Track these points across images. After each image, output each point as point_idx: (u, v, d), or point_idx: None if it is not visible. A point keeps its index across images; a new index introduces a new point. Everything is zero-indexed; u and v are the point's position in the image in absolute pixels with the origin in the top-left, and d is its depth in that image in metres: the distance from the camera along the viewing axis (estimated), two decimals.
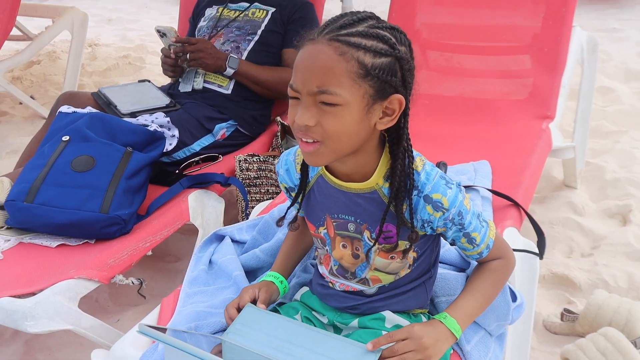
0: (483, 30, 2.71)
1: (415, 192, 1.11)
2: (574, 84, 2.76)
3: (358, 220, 1.18)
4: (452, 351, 1.28)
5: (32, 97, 4.00)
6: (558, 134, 2.38)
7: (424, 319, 1.28)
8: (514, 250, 1.61)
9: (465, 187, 1.83)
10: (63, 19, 3.69)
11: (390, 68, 1.03)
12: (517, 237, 1.71)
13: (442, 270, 1.40)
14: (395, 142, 1.10)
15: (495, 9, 2.72)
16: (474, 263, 1.39)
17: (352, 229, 1.19)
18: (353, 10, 1.10)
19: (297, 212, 1.28)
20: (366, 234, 1.18)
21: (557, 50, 2.51)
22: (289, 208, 1.28)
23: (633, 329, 1.83)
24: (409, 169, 1.10)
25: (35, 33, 4.30)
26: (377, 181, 1.13)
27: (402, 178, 1.10)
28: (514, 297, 1.38)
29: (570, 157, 2.46)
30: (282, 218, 1.30)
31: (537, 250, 1.68)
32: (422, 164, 1.14)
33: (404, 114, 1.08)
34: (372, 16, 1.07)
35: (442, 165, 1.82)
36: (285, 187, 1.28)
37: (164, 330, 1.10)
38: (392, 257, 1.19)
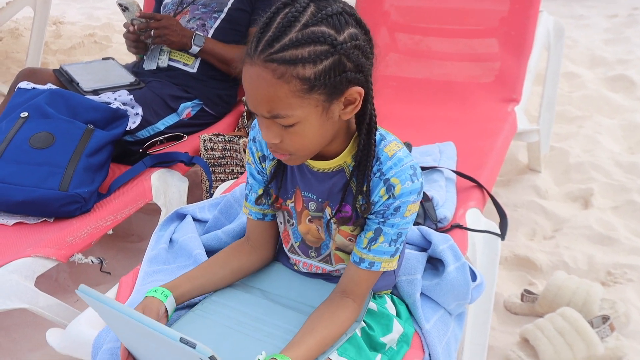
0: (451, 13, 2.71)
1: (378, 174, 1.10)
2: (540, 69, 2.78)
3: (320, 200, 1.17)
4: (414, 331, 1.29)
5: None
6: (523, 117, 2.40)
7: (387, 299, 1.28)
8: (477, 230, 1.64)
9: (430, 168, 1.85)
10: None
11: (336, 67, 0.98)
12: (479, 217, 1.73)
13: None
14: (361, 120, 1.09)
15: None
16: (435, 243, 1.40)
17: (312, 207, 1.19)
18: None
19: (277, 192, 1.22)
20: (327, 210, 1.17)
21: (524, 34, 2.52)
22: (268, 184, 1.22)
23: (590, 309, 1.86)
24: (374, 146, 1.09)
25: None
26: (346, 159, 1.13)
27: (365, 153, 1.09)
28: (473, 277, 1.39)
29: (534, 141, 2.49)
30: (261, 197, 1.23)
31: (499, 231, 1.70)
32: (397, 149, 1.10)
33: (367, 95, 1.05)
34: (305, 6, 0.98)
35: (407, 145, 1.82)
36: (259, 157, 1.21)
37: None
38: (350, 240, 1.18)
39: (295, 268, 1.31)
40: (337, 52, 0.97)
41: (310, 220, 1.21)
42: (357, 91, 1.02)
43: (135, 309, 1.12)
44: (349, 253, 1.21)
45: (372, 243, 1.13)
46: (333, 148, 1.12)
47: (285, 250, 1.30)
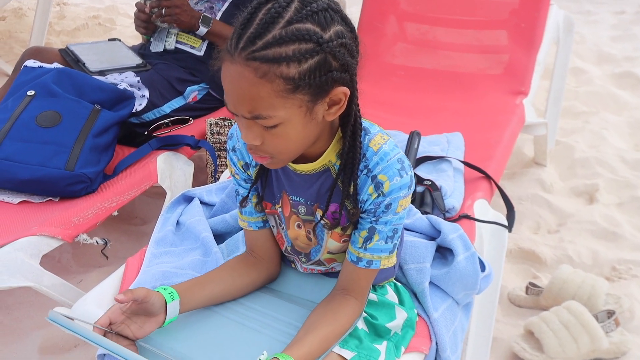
0: (461, 4, 2.70)
1: (365, 171, 1.05)
2: (548, 64, 2.77)
3: (309, 202, 1.13)
4: (417, 318, 1.28)
5: None
6: (531, 109, 2.39)
7: (389, 288, 1.26)
8: (485, 221, 1.63)
9: (437, 157, 1.84)
10: None
11: (321, 67, 0.93)
12: (487, 209, 1.72)
13: (412, 237, 1.39)
14: (346, 121, 1.04)
15: None
16: (445, 232, 1.39)
17: (302, 211, 1.15)
18: None
19: (261, 194, 1.19)
20: (318, 213, 1.13)
21: (534, 27, 2.51)
22: (251, 187, 1.19)
23: (595, 303, 1.86)
24: (359, 148, 1.04)
25: None
26: (330, 158, 1.08)
27: (351, 154, 1.04)
28: (482, 267, 1.38)
29: (542, 134, 2.48)
30: (246, 198, 1.20)
31: (506, 223, 1.69)
32: (383, 142, 1.06)
33: (352, 96, 1.00)
34: (289, 1, 0.93)
35: (415, 134, 1.80)
36: (242, 165, 1.18)
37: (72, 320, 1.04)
38: (344, 241, 1.15)
39: (293, 266, 1.30)
40: (323, 51, 0.92)
41: (299, 226, 1.17)
42: (342, 91, 0.97)
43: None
44: (343, 252, 1.18)
45: (368, 242, 1.10)
46: (316, 149, 1.07)
47: (282, 251, 1.28)
